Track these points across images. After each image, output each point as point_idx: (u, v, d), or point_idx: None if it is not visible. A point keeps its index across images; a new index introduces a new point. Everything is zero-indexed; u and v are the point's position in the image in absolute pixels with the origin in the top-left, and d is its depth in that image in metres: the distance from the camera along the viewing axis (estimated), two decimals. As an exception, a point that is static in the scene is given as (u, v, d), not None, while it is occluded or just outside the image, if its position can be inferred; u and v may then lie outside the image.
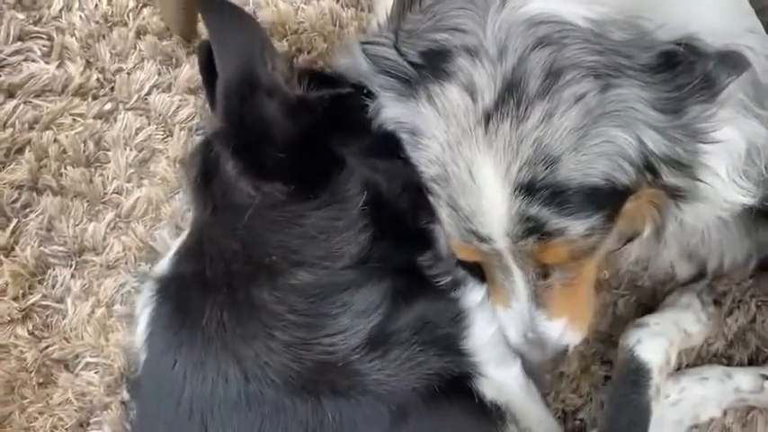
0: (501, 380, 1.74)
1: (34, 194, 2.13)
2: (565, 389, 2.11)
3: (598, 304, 2.09)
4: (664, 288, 2.16)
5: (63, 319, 2.08)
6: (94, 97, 2.19)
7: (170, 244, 2.02)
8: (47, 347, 2.06)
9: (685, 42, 1.42)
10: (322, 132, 1.73)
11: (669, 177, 1.52)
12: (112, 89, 2.19)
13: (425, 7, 1.57)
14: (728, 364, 2.12)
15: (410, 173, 1.63)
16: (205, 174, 1.79)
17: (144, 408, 1.79)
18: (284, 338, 1.63)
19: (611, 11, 1.45)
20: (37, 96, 2.16)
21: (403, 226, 1.74)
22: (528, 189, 1.47)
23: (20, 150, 2.14)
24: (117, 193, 2.16)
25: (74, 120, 2.16)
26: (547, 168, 1.45)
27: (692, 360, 2.12)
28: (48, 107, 2.16)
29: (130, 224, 2.14)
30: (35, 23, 2.21)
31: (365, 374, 1.62)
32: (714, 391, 2.03)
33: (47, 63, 2.18)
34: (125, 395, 2.03)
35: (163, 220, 2.14)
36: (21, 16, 2.19)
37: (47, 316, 2.09)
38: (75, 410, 2.04)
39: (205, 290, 1.68)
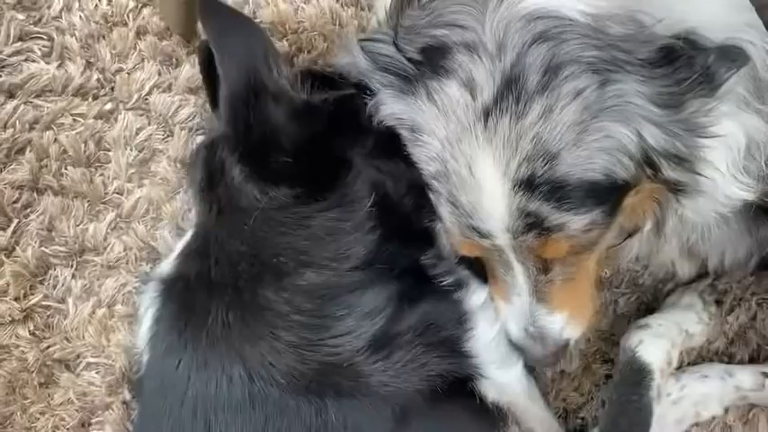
0: (503, 381, 1.75)
1: (35, 195, 2.13)
2: (566, 387, 2.11)
3: (599, 303, 2.09)
4: (664, 286, 2.16)
5: (64, 319, 2.08)
6: (95, 97, 2.19)
7: (171, 244, 2.04)
8: (48, 348, 2.06)
9: (684, 37, 1.42)
10: (328, 135, 1.74)
11: (669, 172, 1.52)
12: (113, 89, 2.20)
13: (424, 4, 1.57)
14: (729, 362, 2.12)
15: (413, 173, 1.63)
16: (210, 177, 1.80)
17: (146, 407, 1.80)
18: (290, 339, 1.64)
19: (610, 5, 1.45)
20: (37, 96, 2.16)
21: (407, 226, 1.74)
22: (528, 184, 1.47)
23: (20, 150, 2.14)
24: (118, 193, 2.15)
25: (74, 120, 2.17)
26: (546, 164, 1.46)
27: (693, 358, 2.11)
28: (48, 107, 2.16)
29: (131, 224, 2.14)
30: (35, 24, 2.21)
31: (369, 376, 1.63)
32: (715, 389, 2.03)
33: (47, 63, 2.19)
34: (126, 395, 2.02)
35: (164, 219, 2.14)
36: (21, 17, 2.20)
37: (48, 316, 2.08)
38: (77, 410, 2.03)
39: (210, 290, 1.69)
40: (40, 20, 2.21)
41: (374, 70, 1.65)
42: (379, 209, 1.72)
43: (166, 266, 1.84)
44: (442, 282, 1.78)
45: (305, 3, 2.26)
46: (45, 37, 2.20)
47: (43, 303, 2.09)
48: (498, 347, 1.76)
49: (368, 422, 1.62)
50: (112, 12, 2.23)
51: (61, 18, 2.22)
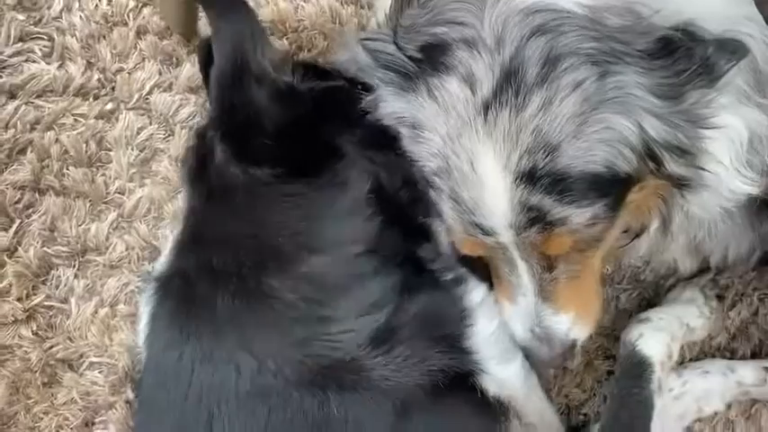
0: (503, 376, 1.75)
1: (37, 195, 2.14)
2: (568, 384, 2.10)
3: (601, 299, 2.09)
4: (666, 282, 2.16)
5: (67, 319, 2.08)
6: (96, 97, 2.20)
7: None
8: (51, 347, 2.06)
9: (683, 28, 1.42)
10: (313, 121, 1.76)
11: (672, 165, 1.52)
12: (113, 89, 2.21)
13: (423, 3, 1.57)
14: (731, 358, 2.11)
15: (407, 168, 1.63)
16: (201, 162, 1.81)
17: (146, 404, 1.80)
18: (296, 330, 1.65)
19: None
20: (38, 97, 2.18)
21: (405, 218, 1.75)
22: (529, 178, 1.47)
23: (22, 151, 2.15)
24: (119, 192, 2.16)
25: (75, 120, 2.17)
26: (547, 156, 1.46)
27: (694, 354, 2.10)
28: (49, 108, 2.17)
29: (133, 224, 2.14)
30: (36, 24, 2.22)
31: (371, 370, 1.63)
32: (717, 384, 2.03)
33: (48, 64, 2.20)
34: (130, 394, 2.02)
35: (165, 219, 2.14)
36: (21, 17, 2.21)
37: (51, 316, 2.09)
38: (80, 410, 2.03)
39: (214, 280, 1.69)
40: (40, 20, 2.22)
41: (375, 67, 1.64)
42: (377, 196, 1.73)
43: (161, 264, 1.85)
44: (441, 276, 1.78)
45: (305, 1, 2.27)
46: (45, 37, 2.21)
47: (46, 303, 2.09)
48: (498, 343, 1.76)
49: (369, 416, 1.62)
50: (113, 12, 2.24)
51: (61, 18, 2.23)
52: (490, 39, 1.47)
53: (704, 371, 2.04)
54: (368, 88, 1.68)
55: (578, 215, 1.50)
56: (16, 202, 2.12)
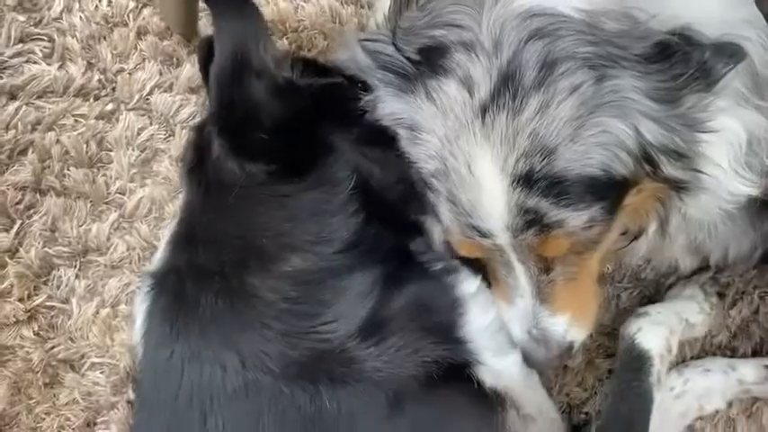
0: (500, 367, 1.75)
1: (38, 196, 2.15)
2: (569, 382, 2.11)
3: (601, 298, 2.09)
4: (667, 280, 2.16)
5: (68, 319, 2.09)
6: (96, 98, 2.21)
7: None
8: (52, 348, 2.07)
9: (680, 32, 1.42)
10: (310, 118, 1.75)
11: (669, 169, 1.52)
12: (114, 90, 2.21)
13: (422, 5, 1.57)
14: (732, 356, 2.12)
15: (404, 166, 1.64)
16: (199, 156, 1.81)
17: (143, 402, 1.80)
18: (280, 327, 1.65)
19: (604, 2, 1.45)
20: (39, 98, 2.18)
21: (394, 214, 1.76)
22: (526, 180, 1.47)
23: (23, 152, 2.16)
24: (120, 193, 2.17)
25: (76, 121, 2.18)
26: (544, 159, 1.46)
27: (695, 352, 2.11)
28: (50, 108, 2.17)
29: (134, 224, 2.15)
30: (36, 25, 2.23)
31: (362, 361, 1.64)
32: (718, 382, 2.03)
33: (48, 64, 2.21)
34: (131, 394, 2.03)
35: (166, 219, 2.15)
36: (21, 18, 2.21)
37: (52, 317, 2.10)
38: (82, 410, 2.05)
39: (199, 278, 1.70)
40: (40, 21, 2.23)
41: (374, 68, 1.64)
42: (362, 192, 1.73)
43: (157, 259, 1.84)
44: (431, 267, 1.79)
45: (305, 1, 2.28)
46: (46, 38, 2.22)
47: (47, 304, 2.10)
48: (494, 335, 1.76)
49: (362, 408, 1.62)
50: (113, 12, 2.25)
51: (62, 19, 2.24)
52: (488, 42, 1.47)
53: (705, 369, 2.05)
54: (367, 87, 1.68)
55: (575, 218, 1.50)
56: (17, 203, 2.13)
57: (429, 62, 1.53)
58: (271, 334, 1.64)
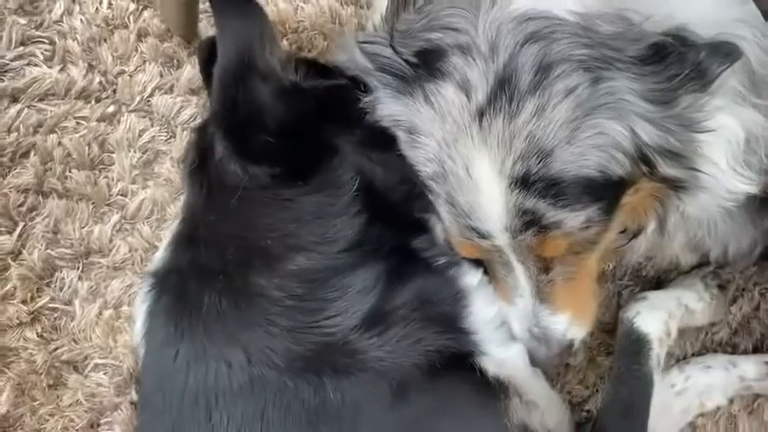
0: (503, 357, 1.76)
1: (40, 198, 2.15)
2: (571, 380, 2.11)
3: (602, 295, 2.10)
4: (668, 277, 2.16)
5: (71, 321, 2.10)
6: (97, 100, 2.21)
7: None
8: (56, 350, 2.08)
9: (675, 33, 1.42)
10: (315, 120, 1.76)
11: (666, 168, 1.52)
12: (115, 92, 2.22)
13: (419, 8, 1.58)
14: (733, 353, 2.12)
15: (406, 167, 1.64)
16: (201, 157, 1.82)
17: (147, 402, 1.80)
18: (284, 323, 1.66)
19: (599, 4, 1.46)
20: (40, 100, 2.19)
21: (397, 212, 1.76)
22: (523, 182, 1.48)
23: (25, 154, 2.16)
24: (122, 194, 2.17)
25: (77, 123, 2.19)
26: (540, 161, 1.46)
27: (696, 349, 2.11)
28: (51, 111, 2.18)
29: (136, 225, 2.16)
30: (37, 28, 2.23)
31: (365, 352, 1.65)
32: (719, 379, 2.04)
33: (49, 67, 2.21)
34: (134, 395, 2.03)
35: (168, 220, 2.15)
36: (22, 21, 2.22)
37: (55, 318, 2.10)
38: (86, 411, 2.05)
39: (202, 277, 1.71)
40: (41, 24, 2.24)
41: (373, 70, 1.65)
42: (365, 193, 1.74)
43: (158, 259, 1.86)
44: (434, 261, 1.80)
45: (304, 2, 2.28)
46: (47, 41, 2.23)
47: (50, 306, 2.10)
48: (497, 326, 1.77)
49: (366, 397, 1.63)
50: (113, 15, 2.25)
51: (62, 22, 2.24)
52: (484, 45, 1.47)
53: (706, 366, 2.05)
54: (368, 88, 1.68)
55: (572, 219, 1.51)
56: (20, 206, 2.13)
57: (426, 65, 1.53)
58: (276, 330, 1.65)
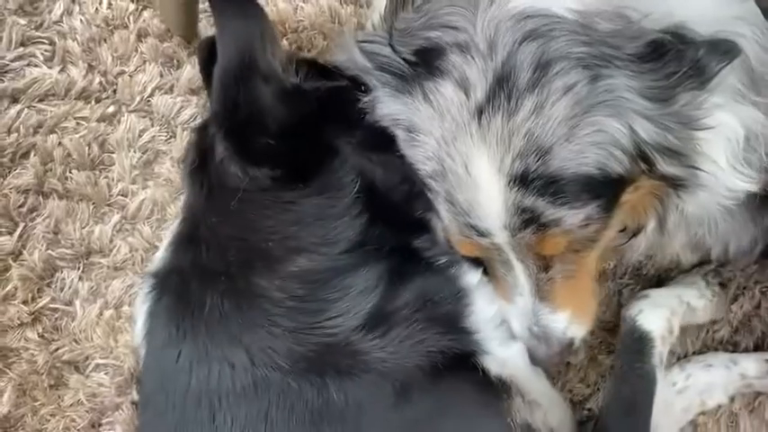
0: (505, 356, 1.76)
1: (40, 198, 2.15)
2: (572, 379, 2.11)
3: (603, 294, 2.10)
4: (668, 275, 2.15)
5: (72, 321, 2.10)
6: (97, 100, 2.21)
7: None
8: (57, 350, 2.08)
9: (673, 31, 1.42)
10: (316, 122, 1.76)
11: (665, 166, 1.52)
12: (115, 92, 2.22)
13: (417, 7, 1.58)
14: (734, 351, 2.12)
15: (407, 167, 1.64)
16: (202, 157, 1.82)
17: (149, 403, 1.80)
18: (287, 324, 1.66)
19: (597, 2, 1.46)
20: (40, 101, 2.19)
21: (399, 213, 1.76)
22: (522, 180, 1.48)
23: (25, 155, 2.17)
24: (122, 194, 2.18)
25: (77, 123, 2.19)
26: (539, 159, 1.46)
27: (697, 347, 2.11)
28: (51, 111, 2.18)
29: (136, 225, 2.16)
30: (37, 29, 2.24)
31: (367, 353, 1.65)
32: (720, 377, 2.03)
33: (49, 68, 2.21)
34: (135, 395, 2.03)
35: (168, 220, 2.15)
36: (22, 22, 2.22)
37: (56, 319, 2.10)
38: (87, 411, 2.05)
39: (204, 278, 1.71)
40: (41, 24, 2.24)
41: (372, 69, 1.65)
42: (366, 194, 1.74)
43: (158, 259, 1.86)
44: (435, 261, 1.79)
45: (304, 2, 2.28)
46: (47, 41, 2.23)
47: (51, 306, 2.11)
48: (498, 325, 1.77)
49: (369, 398, 1.63)
50: (113, 15, 2.25)
51: (62, 22, 2.24)
52: (483, 44, 1.47)
53: (707, 364, 2.05)
54: (368, 88, 1.68)
55: (572, 216, 1.51)
56: (20, 206, 2.14)
57: (425, 63, 1.54)
58: (278, 331, 1.66)
